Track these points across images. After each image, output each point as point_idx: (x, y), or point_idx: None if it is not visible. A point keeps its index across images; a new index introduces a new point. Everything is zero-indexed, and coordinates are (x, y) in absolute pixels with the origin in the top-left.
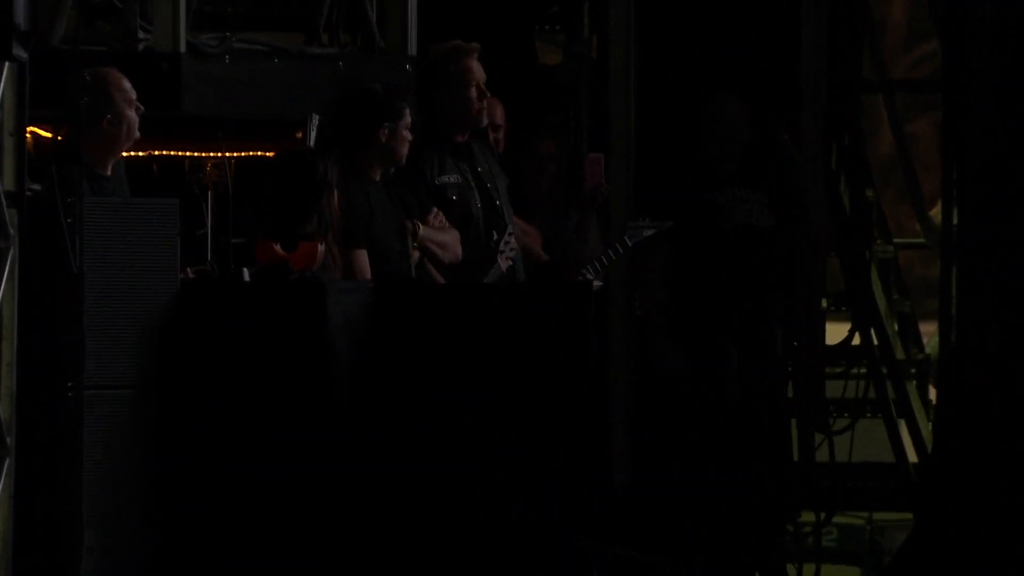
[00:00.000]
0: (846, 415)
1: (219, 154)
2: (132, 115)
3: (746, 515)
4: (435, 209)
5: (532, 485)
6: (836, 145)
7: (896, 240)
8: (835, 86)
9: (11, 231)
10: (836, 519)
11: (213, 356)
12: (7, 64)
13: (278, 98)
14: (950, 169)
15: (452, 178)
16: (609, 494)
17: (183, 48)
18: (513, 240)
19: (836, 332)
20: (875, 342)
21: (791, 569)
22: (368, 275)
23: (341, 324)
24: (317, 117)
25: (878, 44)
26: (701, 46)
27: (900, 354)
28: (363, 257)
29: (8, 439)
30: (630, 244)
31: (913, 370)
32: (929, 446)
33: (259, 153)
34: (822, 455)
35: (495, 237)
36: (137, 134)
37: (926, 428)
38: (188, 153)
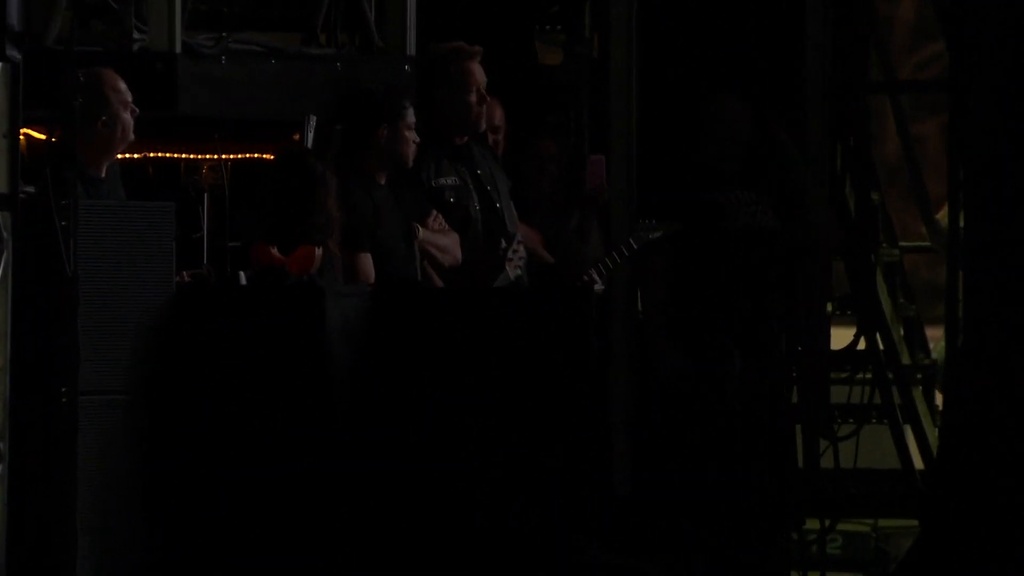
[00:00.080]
0: (851, 420)
1: (215, 156)
2: (127, 116)
3: (746, 516)
4: (434, 212)
5: (532, 485)
6: (841, 147)
7: (902, 243)
8: (839, 87)
9: (4, 234)
10: (841, 526)
11: (209, 360)
12: (0, 65)
13: (275, 99)
14: (957, 172)
15: (450, 180)
16: (609, 495)
17: (179, 48)
18: (522, 249)
19: (841, 336)
20: (880, 347)
21: None
22: (372, 278)
23: (339, 328)
24: (314, 118)
25: (884, 44)
26: (702, 46)
27: (906, 359)
28: (367, 260)
29: (1, 444)
30: (635, 247)
31: (919, 375)
32: (935, 452)
33: (256, 155)
34: (827, 461)
35: (503, 245)
36: (132, 136)
37: (932, 434)
38: (184, 155)
